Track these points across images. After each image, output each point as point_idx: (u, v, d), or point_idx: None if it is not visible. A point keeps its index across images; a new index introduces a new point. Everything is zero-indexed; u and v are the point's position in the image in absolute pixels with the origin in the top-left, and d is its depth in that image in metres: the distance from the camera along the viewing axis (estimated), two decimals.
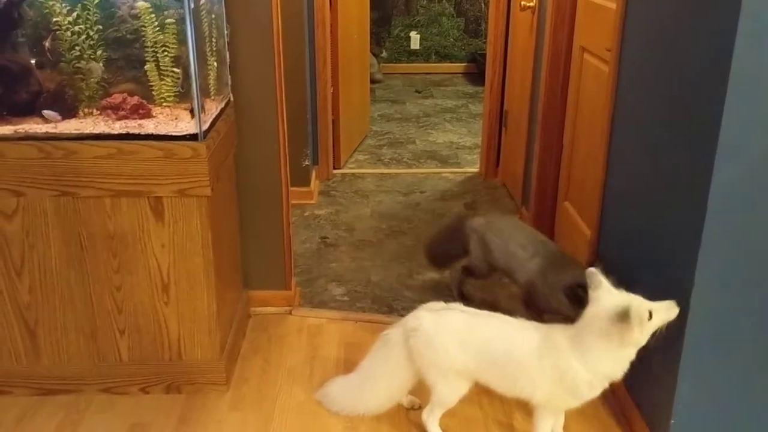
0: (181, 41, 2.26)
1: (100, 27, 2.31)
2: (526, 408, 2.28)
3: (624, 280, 2.07)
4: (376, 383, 2.36)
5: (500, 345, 2.13)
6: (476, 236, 2.99)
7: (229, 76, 2.68)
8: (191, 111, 2.30)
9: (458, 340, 2.16)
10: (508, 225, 2.98)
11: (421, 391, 2.35)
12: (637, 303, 1.96)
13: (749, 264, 1.96)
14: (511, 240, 2.86)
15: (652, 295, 2.01)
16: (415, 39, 7.98)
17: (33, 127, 2.30)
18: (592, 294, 2.04)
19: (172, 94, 2.38)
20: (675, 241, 2.10)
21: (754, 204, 1.91)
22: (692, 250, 1.97)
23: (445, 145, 5.49)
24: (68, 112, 2.35)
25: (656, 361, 2.16)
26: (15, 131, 2.28)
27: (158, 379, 2.55)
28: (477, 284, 3.20)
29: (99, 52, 2.33)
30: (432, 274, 3.42)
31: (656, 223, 2.27)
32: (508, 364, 2.11)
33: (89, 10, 2.28)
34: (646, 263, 2.33)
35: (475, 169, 4.86)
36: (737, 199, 1.90)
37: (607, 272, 2.07)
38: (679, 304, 1.99)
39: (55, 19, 2.27)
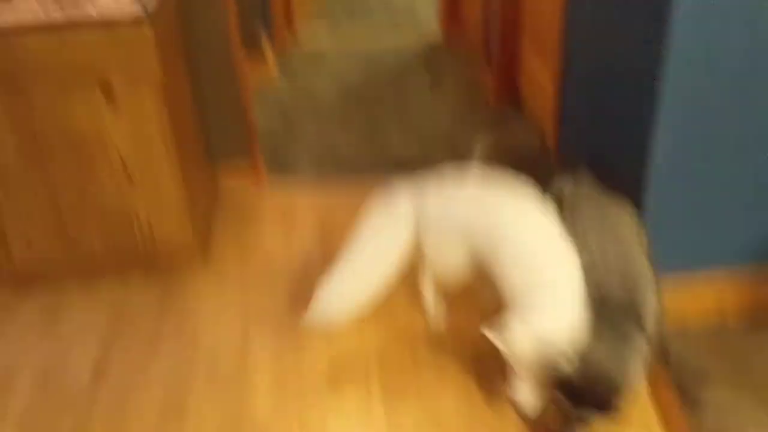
0: None
1: None
2: None
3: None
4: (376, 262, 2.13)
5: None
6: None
7: None
8: None
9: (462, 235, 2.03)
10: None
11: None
12: None
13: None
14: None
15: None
16: None
17: None
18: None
19: None
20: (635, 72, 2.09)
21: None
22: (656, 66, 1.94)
23: (405, 7, 5.31)
24: None
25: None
26: None
27: (134, 264, 2.56)
28: None
29: None
30: (403, 144, 3.40)
31: (615, 66, 2.25)
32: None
33: None
34: (609, 104, 2.32)
35: (434, 27, 4.72)
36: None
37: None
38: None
39: None
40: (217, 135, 2.96)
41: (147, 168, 2.39)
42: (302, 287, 2.51)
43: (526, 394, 1.85)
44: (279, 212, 2.93)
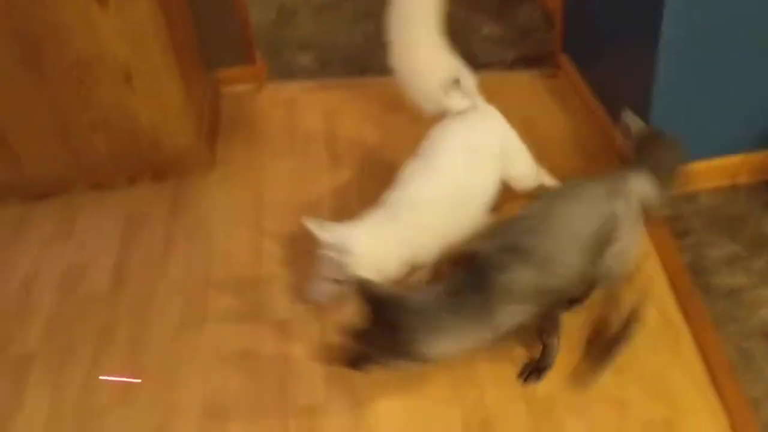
0: None
1: None
2: None
3: None
4: None
5: None
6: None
7: None
8: None
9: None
10: None
11: None
12: None
13: None
14: None
15: None
16: None
17: None
18: None
19: None
20: None
21: None
22: None
23: None
24: None
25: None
26: None
27: (142, 170, 2.57)
28: None
29: None
30: None
31: None
32: None
33: None
34: None
35: None
36: None
37: None
38: None
39: None
40: (213, 35, 2.88)
41: (145, 70, 2.34)
42: (310, 185, 2.52)
43: (322, 293, 1.98)
44: (282, 112, 2.89)
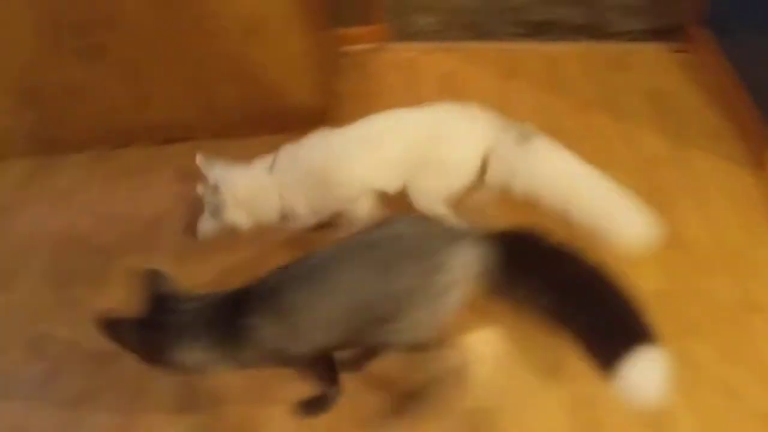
0: None
1: None
2: None
3: None
4: None
5: None
6: None
7: None
8: None
9: None
10: None
11: None
12: None
13: None
14: None
15: None
16: None
17: None
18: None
19: None
20: None
21: None
22: None
23: None
24: None
25: None
26: None
27: (262, 122, 2.64)
28: None
29: None
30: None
31: None
32: None
33: None
34: None
35: None
36: None
37: None
38: None
39: None
40: None
41: (273, 24, 2.40)
42: None
43: (207, 227, 2.08)
44: (400, 73, 2.90)
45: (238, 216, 2.00)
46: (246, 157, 2.56)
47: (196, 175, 2.50)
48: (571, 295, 1.42)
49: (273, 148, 2.57)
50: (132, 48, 2.46)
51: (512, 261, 1.50)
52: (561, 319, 1.43)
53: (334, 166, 1.96)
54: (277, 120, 2.63)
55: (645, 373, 1.31)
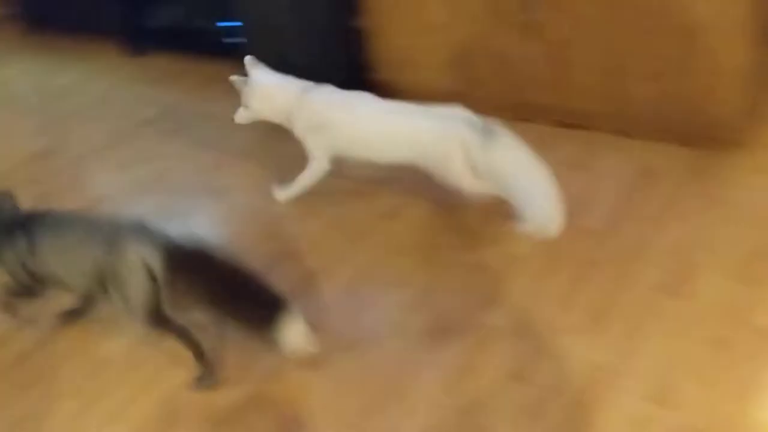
0: None
1: None
2: None
3: None
4: None
5: None
6: None
7: None
8: None
9: None
10: None
11: None
12: None
13: None
14: None
15: None
16: None
17: None
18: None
19: None
20: None
21: None
22: None
23: None
24: None
25: None
26: None
27: (669, 128, 2.52)
28: None
29: None
30: None
31: None
32: None
33: None
34: None
35: None
36: None
37: None
38: None
39: None
40: None
41: (714, 31, 2.26)
42: None
43: (241, 115, 2.49)
44: None
45: (258, 108, 2.43)
46: (643, 159, 2.46)
47: (587, 167, 2.50)
48: (225, 292, 1.83)
49: (674, 158, 2.46)
50: (567, 30, 2.51)
51: (179, 272, 1.83)
52: (223, 312, 1.86)
53: (336, 118, 2.36)
54: (688, 131, 2.49)
55: (293, 327, 1.79)
